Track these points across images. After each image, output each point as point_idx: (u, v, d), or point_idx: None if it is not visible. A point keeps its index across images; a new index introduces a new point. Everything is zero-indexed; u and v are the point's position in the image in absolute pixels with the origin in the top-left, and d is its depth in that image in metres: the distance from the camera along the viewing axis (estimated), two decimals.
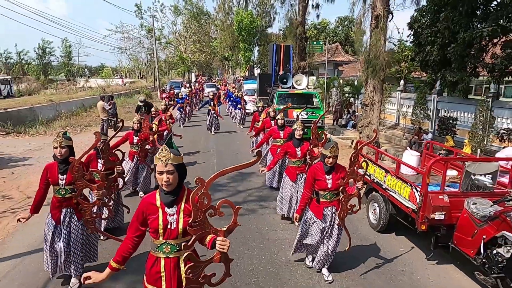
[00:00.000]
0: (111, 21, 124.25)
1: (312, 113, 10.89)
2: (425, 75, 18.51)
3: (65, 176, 3.51)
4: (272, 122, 7.83)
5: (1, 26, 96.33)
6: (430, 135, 12.87)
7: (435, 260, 4.31)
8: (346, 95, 20.02)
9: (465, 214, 3.84)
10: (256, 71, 31.54)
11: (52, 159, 3.60)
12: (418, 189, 4.02)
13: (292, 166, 5.38)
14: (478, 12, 11.95)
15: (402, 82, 17.78)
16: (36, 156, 9.48)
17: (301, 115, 9.54)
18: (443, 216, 3.86)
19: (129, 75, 60.17)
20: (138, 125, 6.45)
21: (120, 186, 4.88)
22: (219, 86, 34.16)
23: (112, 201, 4.17)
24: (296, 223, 4.76)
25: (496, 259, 3.38)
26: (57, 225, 3.64)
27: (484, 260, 3.52)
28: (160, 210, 2.24)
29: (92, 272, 2.27)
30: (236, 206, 2.11)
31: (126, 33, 50.31)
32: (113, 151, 4.59)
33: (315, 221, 3.81)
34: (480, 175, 3.89)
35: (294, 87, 12.41)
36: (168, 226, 2.23)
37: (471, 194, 3.99)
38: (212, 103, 13.45)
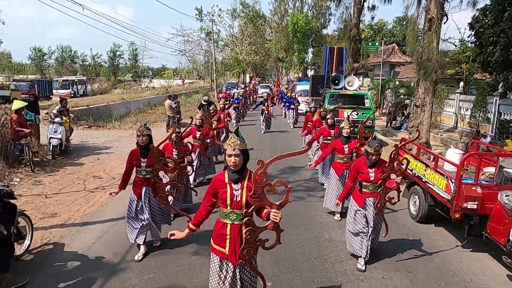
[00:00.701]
0: (172, 25, 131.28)
1: (362, 114, 11.21)
2: (488, 76, 17.69)
3: (145, 159, 4.33)
4: (323, 121, 8.31)
5: (78, 32, 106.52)
6: (488, 139, 12.47)
7: (470, 248, 4.67)
8: (401, 96, 19.71)
9: (498, 205, 4.18)
10: (310, 73, 31.88)
11: (128, 148, 4.56)
12: (453, 180, 4.43)
13: (339, 162, 5.75)
14: None
15: (461, 84, 17.19)
16: (115, 146, 11.02)
17: (352, 115, 9.91)
18: (475, 205, 4.24)
19: (187, 76, 63.42)
20: (200, 121, 7.18)
21: (190, 173, 5.80)
22: (272, 87, 34.98)
23: (181, 184, 5.05)
24: (337, 209, 5.32)
25: None
26: (139, 200, 4.46)
27: (510, 245, 3.87)
28: (228, 185, 2.78)
29: (175, 231, 2.98)
30: (288, 186, 2.64)
31: (186, 36, 53.14)
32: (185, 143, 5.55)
33: (358, 210, 4.22)
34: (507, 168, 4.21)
35: (346, 88, 12.79)
36: (234, 199, 2.76)
37: (505, 187, 4.32)
38: (266, 104, 14.24)
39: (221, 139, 9.36)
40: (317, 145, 7.89)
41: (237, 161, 2.72)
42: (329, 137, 6.98)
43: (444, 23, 9.15)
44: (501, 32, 12.35)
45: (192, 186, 6.49)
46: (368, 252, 4.16)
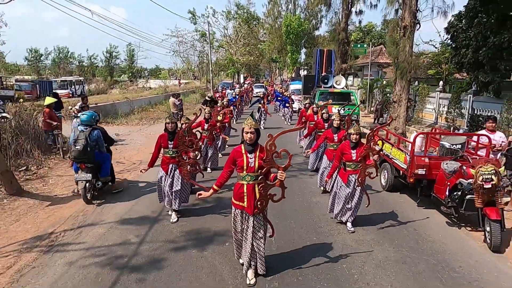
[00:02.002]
0: (166, 25, 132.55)
1: (349, 109, 12.64)
2: (466, 76, 19.25)
3: (172, 142, 5.49)
4: (315, 116, 9.54)
5: (73, 32, 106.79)
6: (461, 131, 13.97)
7: (422, 206, 6.11)
8: (387, 95, 21.22)
9: (441, 171, 5.60)
10: (303, 73, 33.29)
11: (139, 141, 5.68)
12: (408, 153, 5.85)
13: (330, 149, 6.60)
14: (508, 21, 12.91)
15: (441, 83, 18.70)
16: (128, 139, 12.29)
17: (340, 110, 11.29)
18: (424, 171, 5.66)
19: (182, 76, 64.51)
20: (208, 115, 8.32)
21: (198, 157, 7.03)
22: (266, 86, 36.33)
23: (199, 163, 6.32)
24: (327, 185, 6.50)
25: (454, 197, 5.14)
26: (166, 175, 5.55)
27: (448, 200, 5.28)
28: (244, 155, 3.65)
29: (202, 191, 3.94)
30: (290, 154, 3.61)
31: (180, 37, 54.18)
32: (193, 131, 6.76)
33: (342, 185, 5.21)
34: (451, 144, 5.63)
35: (334, 87, 14.23)
36: (249, 164, 3.63)
37: (445, 158, 5.75)
38: (262, 101, 15.57)
39: (225, 133, 10.57)
40: (309, 138, 9.16)
41: (252, 137, 3.64)
42: (323, 129, 7.82)
43: (417, 30, 10.59)
44: (473, 36, 13.86)
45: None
46: (350, 216, 5.15)
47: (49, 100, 9.53)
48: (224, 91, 23.18)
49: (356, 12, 20.50)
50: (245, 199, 3.70)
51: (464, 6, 14.77)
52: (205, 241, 4.73)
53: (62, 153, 9.30)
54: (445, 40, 16.87)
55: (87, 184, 6.01)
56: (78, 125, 9.38)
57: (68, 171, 8.22)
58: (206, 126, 8.24)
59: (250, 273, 3.82)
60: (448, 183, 5.30)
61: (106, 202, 6.23)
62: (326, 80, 14.33)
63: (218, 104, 10.64)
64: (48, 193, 6.70)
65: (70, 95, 34.30)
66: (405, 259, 4.33)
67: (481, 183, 4.50)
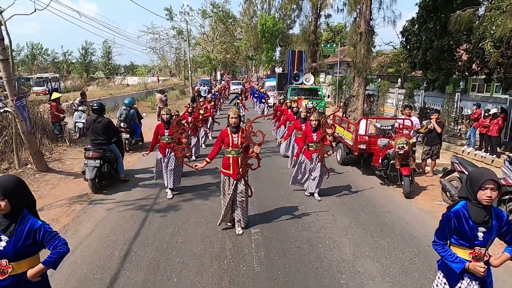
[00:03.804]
0: (140, 22, 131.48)
1: (316, 103, 14.59)
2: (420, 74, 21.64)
3: (167, 131, 6.92)
4: (289, 110, 11.24)
5: (48, 28, 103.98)
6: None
7: (365, 174, 8.10)
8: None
9: (377, 146, 7.56)
10: (278, 70, 35.20)
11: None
12: (354, 133, 7.80)
13: (298, 136, 7.71)
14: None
15: (399, 80, 20.98)
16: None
17: (308, 104, 13.18)
18: (365, 146, 7.62)
19: (159, 73, 65.06)
20: (191, 109, 10.04)
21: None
22: (245, 83, 37.97)
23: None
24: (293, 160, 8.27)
25: (384, 163, 7.12)
26: (164, 157, 6.91)
27: (381, 166, 7.25)
28: (230, 135, 4.78)
29: (197, 163, 5.40)
30: (264, 134, 5.18)
31: (156, 34, 54.76)
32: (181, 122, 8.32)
33: (305, 162, 6.76)
34: (383, 126, 7.63)
35: (304, 83, 16.16)
36: (234, 142, 4.78)
37: (380, 136, 7.73)
38: (240, 97, 17.23)
39: (208, 126, 11.82)
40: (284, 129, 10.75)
41: (236, 121, 4.84)
42: (293, 121, 9.11)
43: (375, 36, 12.61)
44: (423, 39, 16.09)
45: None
46: (316, 187, 6.48)
47: (55, 95, 10.89)
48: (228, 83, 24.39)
49: (325, 15, 22.57)
50: (231, 168, 4.89)
51: (416, 13, 17.06)
52: (201, 198, 6.46)
53: (68, 141, 10.69)
54: (401, 42, 19.07)
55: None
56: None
57: (79, 155, 9.69)
58: (189, 119, 9.48)
59: (237, 227, 5.05)
60: (381, 154, 7.27)
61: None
62: (297, 78, 16.24)
63: (200, 100, 12.16)
64: (69, 170, 8.20)
65: (47, 92, 34.62)
66: (346, 203, 6.24)
67: (397, 150, 6.47)
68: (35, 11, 8.20)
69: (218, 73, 60.69)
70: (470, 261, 2.51)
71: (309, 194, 6.63)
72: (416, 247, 4.64)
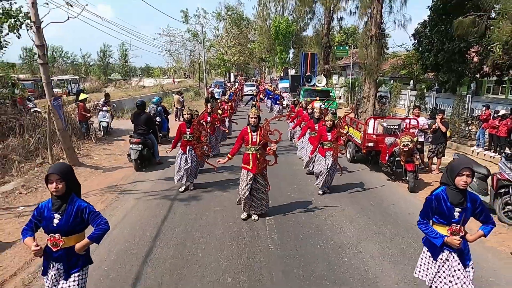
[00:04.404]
0: (156, 24, 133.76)
1: (328, 104, 15.05)
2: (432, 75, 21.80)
3: (189, 129, 7.69)
4: (304, 111, 11.71)
5: (68, 32, 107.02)
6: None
7: (373, 170, 8.55)
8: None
9: (384, 144, 8.02)
10: (291, 72, 35.64)
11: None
12: (363, 132, 8.27)
13: (312, 136, 8.12)
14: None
15: (411, 81, 21.21)
16: None
17: (320, 105, 13.65)
18: (372, 144, 8.08)
19: (175, 75, 66.25)
20: (210, 109, 10.63)
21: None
22: (258, 85, 38.55)
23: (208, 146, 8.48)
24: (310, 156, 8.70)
25: (390, 160, 7.57)
26: (184, 154, 7.54)
27: (388, 162, 7.70)
28: (250, 133, 5.30)
29: (220, 158, 5.81)
30: (280, 132, 5.76)
31: (172, 36, 55.90)
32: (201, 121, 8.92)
33: (321, 159, 7.14)
34: (390, 125, 8.08)
35: (316, 85, 16.64)
36: (253, 139, 5.28)
37: (387, 135, 8.18)
38: (255, 99, 17.83)
39: (226, 126, 12.50)
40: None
41: (255, 120, 5.30)
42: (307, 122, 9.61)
43: (389, 38, 13.01)
44: (434, 42, 16.35)
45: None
46: (324, 184, 6.80)
47: (82, 96, 11.70)
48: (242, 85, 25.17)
49: (337, 18, 22.97)
50: (250, 163, 5.36)
51: (428, 16, 17.33)
52: (220, 190, 7.05)
53: (94, 139, 11.47)
54: (413, 44, 19.34)
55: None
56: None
57: (104, 151, 10.44)
58: (208, 119, 10.36)
59: (254, 215, 5.58)
60: (388, 152, 7.72)
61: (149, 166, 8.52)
62: (309, 79, 16.74)
63: (218, 101, 12.79)
64: (97, 165, 8.92)
65: (67, 93, 35.97)
66: (353, 196, 6.74)
67: (402, 147, 6.93)
68: (68, 19, 8.94)
69: (232, 74, 61.47)
70: (448, 236, 2.98)
71: (322, 193, 6.91)
72: (415, 234, 5.10)
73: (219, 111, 11.33)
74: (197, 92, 37.83)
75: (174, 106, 18.64)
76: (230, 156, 5.52)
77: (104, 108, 12.66)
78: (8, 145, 9.75)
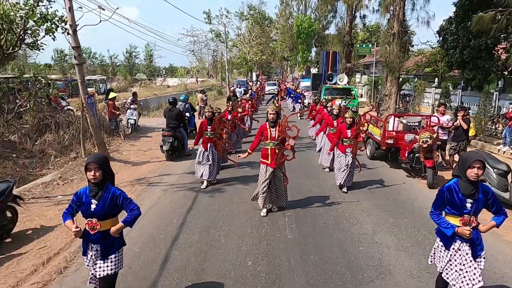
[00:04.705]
0: (179, 25, 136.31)
1: (349, 102, 15.09)
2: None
3: (210, 126, 7.81)
4: (325, 109, 11.88)
5: (96, 34, 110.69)
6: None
7: (392, 167, 8.62)
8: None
9: (404, 141, 8.08)
10: (313, 70, 35.57)
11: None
12: (382, 129, 8.37)
13: (330, 132, 8.30)
14: None
15: (436, 79, 20.83)
16: None
17: (341, 103, 13.73)
18: (392, 141, 8.16)
19: (197, 74, 67.34)
20: (230, 107, 10.95)
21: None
22: (279, 84, 38.71)
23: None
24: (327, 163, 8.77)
25: (410, 156, 7.64)
26: (205, 151, 7.79)
27: (407, 159, 7.77)
28: (268, 129, 5.56)
29: (240, 154, 6.18)
30: (298, 128, 6.04)
31: (195, 36, 56.90)
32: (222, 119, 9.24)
33: (340, 156, 7.29)
34: (410, 122, 8.13)
35: (337, 83, 16.69)
36: (272, 135, 5.51)
37: (407, 132, 8.24)
38: (276, 98, 18.03)
39: (246, 124, 12.56)
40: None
41: (274, 116, 5.56)
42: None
43: (414, 35, 12.92)
44: (460, 38, 16.03)
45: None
46: (346, 181, 6.85)
47: (112, 94, 12.33)
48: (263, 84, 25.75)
49: (360, 16, 22.84)
50: (269, 158, 5.56)
51: (453, 12, 17.00)
52: (241, 183, 7.36)
53: (123, 135, 12.06)
54: (437, 41, 18.99)
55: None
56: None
57: (132, 147, 10.98)
58: (229, 117, 10.57)
59: (274, 207, 5.81)
60: (407, 148, 7.79)
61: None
62: (331, 78, 16.81)
63: (239, 99, 13.13)
64: (126, 160, 9.44)
65: (95, 92, 37.40)
66: (371, 192, 6.88)
67: (421, 143, 7.00)
68: (100, 22, 9.50)
69: (254, 74, 61.83)
70: (459, 227, 3.10)
71: (346, 190, 6.95)
72: (431, 226, 5.17)
73: (240, 109, 11.62)
74: (220, 91, 38.47)
75: (198, 104, 19.10)
76: (250, 151, 5.76)
77: (132, 106, 13.25)
78: (45, 141, 10.46)
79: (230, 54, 58.49)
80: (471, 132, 13.41)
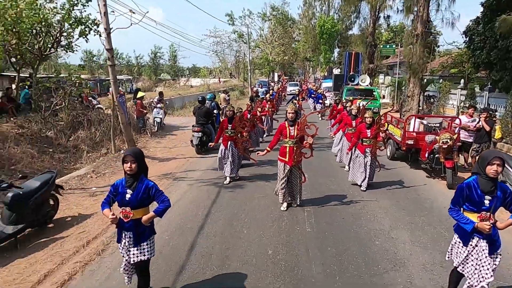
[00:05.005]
0: (202, 26, 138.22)
1: (371, 103, 15.08)
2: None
3: (230, 125, 7.98)
4: (345, 109, 11.97)
5: (123, 35, 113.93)
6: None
7: (412, 167, 8.69)
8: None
9: (424, 142, 8.15)
10: (336, 71, 35.36)
11: None
12: (403, 130, 8.45)
13: (349, 132, 8.44)
14: None
15: (462, 80, 20.42)
16: (189, 126, 15.43)
17: (359, 102, 13.72)
18: (412, 142, 8.24)
19: (220, 74, 68.20)
20: (250, 107, 11.17)
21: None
22: (301, 84, 38.77)
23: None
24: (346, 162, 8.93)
25: (430, 157, 7.70)
26: (225, 149, 8.00)
27: (427, 160, 7.84)
28: (287, 127, 5.86)
29: (259, 151, 6.49)
30: (317, 127, 6.30)
31: (218, 37, 57.71)
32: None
33: (359, 156, 7.44)
34: (431, 123, 8.17)
35: (359, 84, 16.71)
36: (290, 133, 5.79)
37: (427, 133, 8.29)
38: (297, 98, 18.19)
39: (265, 124, 12.69)
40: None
41: (293, 115, 5.80)
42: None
43: (429, 37, 12.84)
44: (487, 39, 15.72)
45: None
46: (365, 180, 6.99)
47: (140, 94, 12.91)
48: (284, 84, 26.26)
49: (384, 17, 22.67)
50: (287, 156, 5.75)
51: (480, 12, 16.68)
52: (262, 180, 7.65)
53: (150, 133, 12.61)
54: (464, 42, 18.64)
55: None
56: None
57: (159, 144, 11.48)
58: (248, 116, 10.88)
59: (293, 203, 6.05)
60: (428, 149, 7.86)
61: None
62: (352, 79, 16.86)
63: (258, 99, 13.38)
64: (153, 156, 9.92)
65: (122, 92, 38.69)
66: (391, 191, 7.02)
67: (441, 144, 7.07)
68: (131, 25, 10.03)
69: (276, 74, 62.03)
70: (478, 222, 3.17)
71: (364, 189, 7.05)
72: (449, 224, 5.30)
73: (259, 109, 11.88)
74: (242, 91, 38.95)
75: (221, 104, 19.53)
76: (269, 149, 5.94)
77: (158, 105, 13.81)
78: (78, 137, 11.12)
79: (253, 55, 58.92)
80: (497, 135, 13.18)
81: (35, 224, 5.10)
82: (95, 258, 4.37)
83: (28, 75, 14.07)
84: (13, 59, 12.92)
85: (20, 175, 5.35)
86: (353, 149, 7.39)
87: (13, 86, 13.48)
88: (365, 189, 7.07)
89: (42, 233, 5.11)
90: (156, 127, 13.65)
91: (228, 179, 7.50)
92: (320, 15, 45.24)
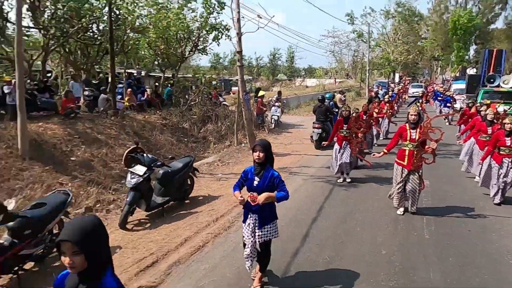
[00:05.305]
0: (321, 27, 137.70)
1: (509, 107, 12.92)
2: None
3: (346, 125, 7.65)
4: (478, 114, 10.57)
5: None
6: None
7: None
8: None
9: None
10: (472, 71, 31.03)
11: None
12: None
13: (482, 140, 7.49)
14: None
15: None
16: (305, 125, 15.86)
17: (497, 107, 11.82)
18: None
19: (336, 75, 67.15)
20: (366, 108, 10.44)
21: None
22: (426, 85, 35.45)
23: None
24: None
25: None
26: (340, 148, 7.88)
27: None
28: (408, 130, 5.47)
29: (375, 153, 6.22)
30: (442, 132, 5.70)
31: (336, 37, 56.67)
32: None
33: (495, 166, 6.46)
34: None
35: (501, 86, 14.52)
36: (411, 136, 5.38)
37: None
38: (420, 100, 16.79)
39: (380, 127, 12.15)
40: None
41: (415, 118, 5.46)
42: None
43: None
44: None
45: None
46: (498, 194, 6.25)
47: (261, 92, 13.90)
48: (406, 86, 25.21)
49: None
50: (406, 159, 5.50)
51: None
52: (376, 182, 7.50)
53: (267, 129, 13.47)
54: None
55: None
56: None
57: (275, 141, 12.19)
58: (364, 117, 10.52)
59: (410, 209, 5.72)
60: None
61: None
62: (492, 80, 14.73)
63: (376, 100, 12.83)
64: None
65: (248, 90, 41.62)
66: None
67: None
68: (258, 29, 10.89)
69: (397, 75, 57.94)
70: None
71: (498, 202, 6.32)
72: None
73: (376, 110, 11.45)
74: (358, 93, 37.75)
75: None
76: (385, 151, 5.78)
77: (276, 104, 14.61)
78: (207, 129, 12.65)
79: (372, 54, 56.16)
80: None
81: (177, 198, 6.16)
82: (222, 232, 5.08)
83: (171, 75, 16.55)
84: (160, 61, 15.41)
85: (170, 156, 6.52)
86: (488, 159, 6.55)
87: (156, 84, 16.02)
88: (499, 202, 6.31)
89: (181, 206, 6.16)
90: (273, 124, 14.47)
91: (341, 178, 7.60)
92: (455, 9, 40.46)
